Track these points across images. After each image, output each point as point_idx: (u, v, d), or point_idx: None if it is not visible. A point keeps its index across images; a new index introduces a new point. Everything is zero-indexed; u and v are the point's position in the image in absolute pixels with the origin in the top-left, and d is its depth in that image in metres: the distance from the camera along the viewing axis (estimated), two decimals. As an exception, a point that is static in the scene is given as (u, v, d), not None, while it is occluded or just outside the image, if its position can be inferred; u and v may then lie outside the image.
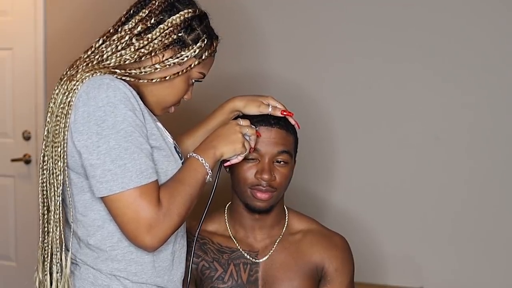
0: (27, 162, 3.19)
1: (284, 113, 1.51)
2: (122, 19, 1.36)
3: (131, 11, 1.36)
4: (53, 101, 1.29)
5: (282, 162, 1.50)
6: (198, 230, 1.47)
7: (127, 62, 1.30)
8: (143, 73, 1.31)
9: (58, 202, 1.29)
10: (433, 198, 2.39)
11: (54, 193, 1.29)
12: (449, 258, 2.37)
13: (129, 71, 1.30)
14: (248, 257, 1.58)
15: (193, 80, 1.40)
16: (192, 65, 1.35)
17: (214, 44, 1.40)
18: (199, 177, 1.33)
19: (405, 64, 2.41)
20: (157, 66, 1.32)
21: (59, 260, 1.31)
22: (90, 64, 1.31)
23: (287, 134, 1.52)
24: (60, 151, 1.26)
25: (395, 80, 2.42)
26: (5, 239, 3.26)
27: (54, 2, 3.08)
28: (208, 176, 1.35)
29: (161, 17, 1.33)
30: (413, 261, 2.41)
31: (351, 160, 2.50)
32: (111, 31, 1.35)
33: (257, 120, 1.50)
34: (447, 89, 2.36)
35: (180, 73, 1.34)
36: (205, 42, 1.36)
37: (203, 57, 1.36)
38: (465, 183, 2.36)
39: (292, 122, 1.54)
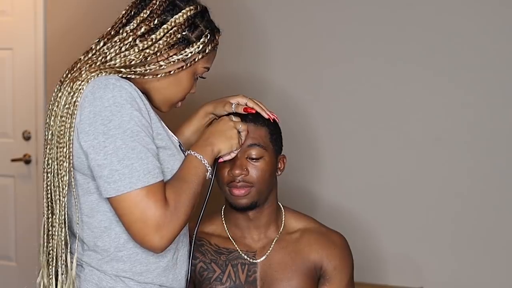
0: (27, 162, 3.19)
1: (248, 109, 1.50)
2: (123, 20, 1.34)
3: (132, 12, 1.35)
4: (56, 104, 1.28)
5: (254, 156, 1.49)
6: (196, 230, 1.46)
7: (132, 62, 1.30)
8: (148, 70, 1.32)
9: (64, 203, 1.28)
10: (433, 198, 2.39)
11: (59, 195, 1.28)
12: (449, 258, 2.37)
13: (134, 69, 1.30)
14: (246, 257, 1.57)
15: (198, 76, 1.41)
16: (196, 59, 1.36)
17: (217, 37, 1.41)
18: (200, 174, 1.33)
19: (405, 64, 2.40)
20: (161, 63, 1.32)
21: (64, 262, 1.30)
22: (93, 65, 1.30)
23: (256, 128, 1.50)
24: (66, 152, 1.25)
25: (395, 80, 2.42)
26: (5, 239, 3.27)
27: (54, 2, 3.08)
28: (208, 173, 1.36)
29: (164, 17, 1.33)
30: (413, 261, 2.41)
31: (351, 160, 2.49)
32: (111, 32, 1.34)
33: None
34: (448, 89, 2.35)
35: (184, 67, 1.35)
36: (208, 37, 1.37)
37: (207, 51, 1.37)
38: (465, 183, 2.35)
39: (265, 115, 1.51)
